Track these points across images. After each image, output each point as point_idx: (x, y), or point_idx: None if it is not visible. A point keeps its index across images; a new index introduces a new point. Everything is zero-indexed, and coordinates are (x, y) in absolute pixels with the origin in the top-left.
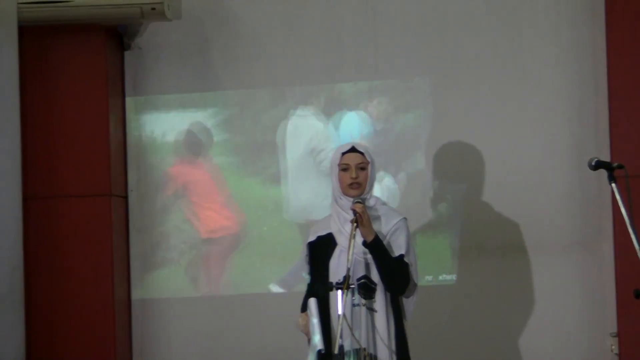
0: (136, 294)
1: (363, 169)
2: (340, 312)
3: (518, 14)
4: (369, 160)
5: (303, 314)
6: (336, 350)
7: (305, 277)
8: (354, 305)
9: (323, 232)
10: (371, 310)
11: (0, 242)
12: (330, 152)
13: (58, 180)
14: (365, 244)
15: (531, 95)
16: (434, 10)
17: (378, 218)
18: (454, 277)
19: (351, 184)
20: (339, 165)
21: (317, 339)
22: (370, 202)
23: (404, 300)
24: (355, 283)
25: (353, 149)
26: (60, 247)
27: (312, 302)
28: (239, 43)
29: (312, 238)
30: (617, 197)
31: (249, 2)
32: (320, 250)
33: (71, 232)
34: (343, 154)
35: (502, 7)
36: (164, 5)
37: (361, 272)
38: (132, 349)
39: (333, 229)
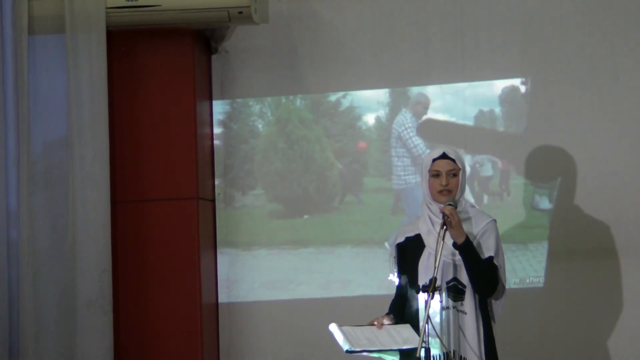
0: (223, 297)
1: (454, 175)
2: (425, 315)
3: (608, 12)
4: (460, 166)
5: (387, 316)
6: (421, 354)
7: (393, 280)
8: (443, 308)
9: (411, 234)
10: (460, 312)
11: (90, 245)
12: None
13: (146, 184)
14: (455, 245)
15: (624, 96)
16: (522, 11)
17: (467, 220)
18: (542, 279)
19: (441, 191)
20: (430, 171)
21: (342, 340)
22: (460, 205)
23: (493, 302)
24: (445, 286)
25: (444, 155)
26: (149, 250)
27: (334, 329)
28: (326, 47)
29: (400, 240)
30: None
31: (336, 5)
32: (409, 252)
33: (159, 235)
34: (434, 160)
35: (592, 6)
36: (251, 9)
37: (450, 275)
38: (219, 352)
39: (422, 230)
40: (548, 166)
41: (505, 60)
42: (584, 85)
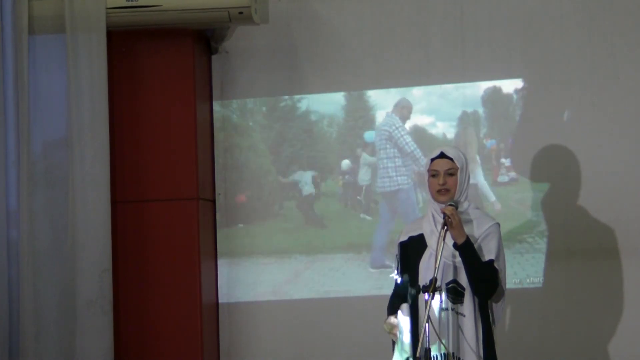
0: (223, 297)
1: (452, 174)
2: (425, 315)
3: (608, 12)
4: (459, 166)
5: (390, 317)
6: (421, 354)
7: (394, 278)
8: (442, 309)
9: (414, 233)
10: (459, 314)
11: (90, 245)
12: None
13: (146, 184)
14: (455, 246)
15: (624, 96)
16: (522, 11)
17: (470, 222)
18: (541, 280)
19: (439, 190)
20: (429, 171)
21: (407, 345)
22: (463, 207)
23: (493, 305)
24: (444, 287)
25: (442, 155)
26: (149, 250)
27: (405, 308)
28: (326, 47)
29: (403, 238)
30: None
31: (336, 6)
32: (411, 250)
33: (159, 235)
34: (432, 160)
35: (592, 6)
36: (252, 9)
37: (450, 276)
38: (219, 352)
39: (425, 230)
40: (549, 166)
41: (505, 61)
42: (584, 85)
